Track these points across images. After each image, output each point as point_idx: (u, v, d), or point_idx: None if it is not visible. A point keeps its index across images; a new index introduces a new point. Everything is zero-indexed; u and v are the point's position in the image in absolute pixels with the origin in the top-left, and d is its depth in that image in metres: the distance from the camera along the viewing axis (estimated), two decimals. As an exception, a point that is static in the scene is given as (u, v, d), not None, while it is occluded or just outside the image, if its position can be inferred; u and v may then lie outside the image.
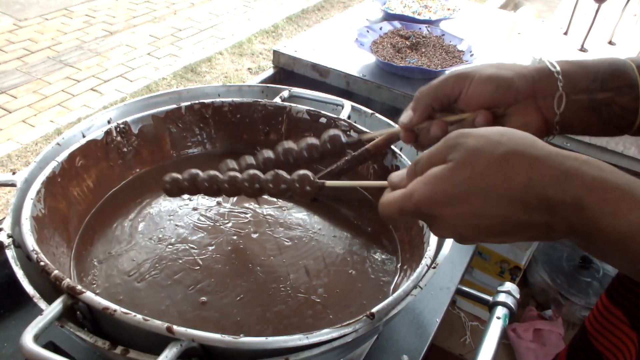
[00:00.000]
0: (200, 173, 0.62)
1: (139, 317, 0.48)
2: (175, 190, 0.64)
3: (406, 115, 0.56)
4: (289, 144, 0.62)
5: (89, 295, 0.49)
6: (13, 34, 3.39)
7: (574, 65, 0.52)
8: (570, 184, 0.35)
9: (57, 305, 0.49)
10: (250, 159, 0.67)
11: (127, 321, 0.47)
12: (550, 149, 0.37)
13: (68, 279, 0.50)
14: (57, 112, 2.70)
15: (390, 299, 0.53)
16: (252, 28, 3.70)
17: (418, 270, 0.58)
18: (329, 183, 0.55)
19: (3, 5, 3.75)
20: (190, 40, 3.51)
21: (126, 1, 4.00)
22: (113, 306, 0.48)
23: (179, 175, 0.64)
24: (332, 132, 0.58)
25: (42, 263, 0.52)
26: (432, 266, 0.59)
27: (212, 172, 0.62)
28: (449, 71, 0.54)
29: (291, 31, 3.69)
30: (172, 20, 3.75)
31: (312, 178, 0.56)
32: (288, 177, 0.58)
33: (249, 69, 3.20)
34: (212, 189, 0.62)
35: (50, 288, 0.55)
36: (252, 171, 0.60)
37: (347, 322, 0.50)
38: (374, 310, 0.51)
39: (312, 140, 0.60)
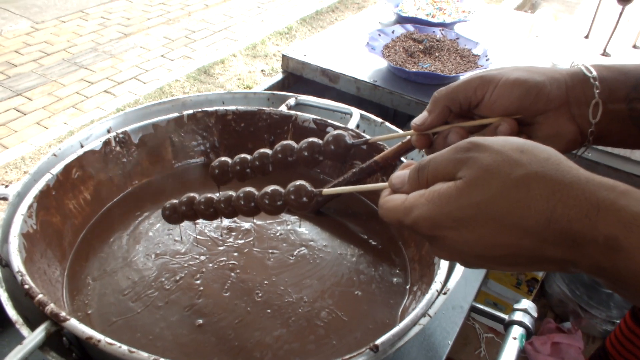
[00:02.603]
0: (197, 196, 0.59)
1: (124, 348, 0.44)
2: (173, 217, 0.60)
3: (420, 117, 0.50)
4: (289, 142, 0.58)
5: (72, 323, 0.46)
6: (30, 37, 3.41)
7: (612, 70, 0.46)
8: (603, 219, 0.30)
9: (39, 333, 0.46)
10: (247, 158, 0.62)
11: (112, 352, 0.44)
12: (580, 174, 0.31)
13: (52, 305, 0.47)
14: (70, 114, 2.70)
15: (396, 329, 0.49)
16: (266, 30, 3.68)
17: (427, 296, 0.54)
18: (325, 191, 0.50)
19: (21, 8, 3.78)
20: (203, 42, 3.49)
21: (141, 3, 4.00)
22: (97, 336, 0.45)
23: (176, 201, 0.61)
24: (336, 132, 0.54)
25: (26, 286, 0.50)
26: (443, 292, 0.55)
27: (208, 195, 0.58)
28: (464, 76, 0.49)
29: (305, 32, 3.66)
30: (186, 22, 3.75)
31: (308, 188, 0.51)
32: (283, 191, 0.53)
33: (262, 70, 3.17)
34: (209, 212, 0.58)
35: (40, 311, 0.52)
36: (247, 189, 0.56)
37: (349, 355, 0.46)
38: (378, 342, 0.48)
39: (314, 139, 0.55)
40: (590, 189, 0.30)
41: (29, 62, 3.11)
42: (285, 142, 0.57)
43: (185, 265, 0.66)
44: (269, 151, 0.58)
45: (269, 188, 0.52)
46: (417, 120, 0.50)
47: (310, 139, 0.55)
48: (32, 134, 2.54)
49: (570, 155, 0.50)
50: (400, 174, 0.39)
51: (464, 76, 0.49)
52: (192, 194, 0.61)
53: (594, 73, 0.46)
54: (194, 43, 3.47)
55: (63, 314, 0.47)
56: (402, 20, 1.36)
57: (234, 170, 0.60)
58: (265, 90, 1.13)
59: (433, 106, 0.49)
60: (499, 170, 0.32)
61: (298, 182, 0.51)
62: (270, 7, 4.10)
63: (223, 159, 0.61)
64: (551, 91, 0.45)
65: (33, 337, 0.46)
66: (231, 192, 0.56)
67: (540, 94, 0.45)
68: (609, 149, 0.99)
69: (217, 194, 0.58)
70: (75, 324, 0.46)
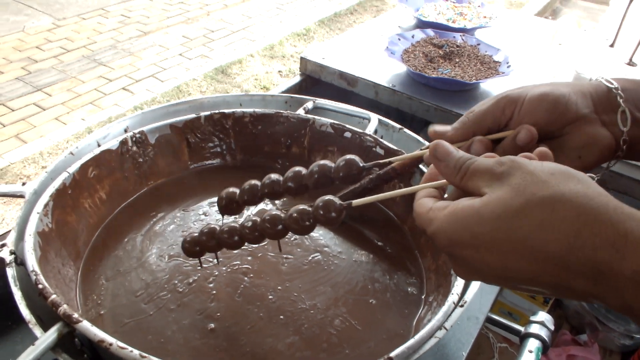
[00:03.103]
0: (218, 227, 0.57)
1: (136, 352, 0.44)
2: (194, 251, 0.58)
3: (442, 127, 0.48)
4: (300, 169, 0.56)
5: (84, 325, 0.46)
6: (51, 33, 3.45)
7: (632, 82, 0.46)
8: (631, 251, 0.28)
9: (52, 334, 0.46)
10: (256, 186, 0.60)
11: (124, 356, 0.44)
12: (609, 201, 0.30)
13: (65, 306, 0.47)
14: (89, 111, 2.72)
15: (411, 341, 0.48)
16: (284, 30, 3.68)
17: (444, 308, 0.53)
18: (355, 202, 0.48)
19: (44, 4, 3.83)
20: (222, 41, 3.51)
21: (161, 2, 4.03)
22: (109, 339, 0.45)
23: (196, 234, 0.58)
24: (348, 157, 0.53)
25: (40, 286, 0.49)
26: (460, 304, 0.54)
27: (232, 224, 0.56)
28: (490, 94, 0.47)
29: (323, 34, 3.66)
30: (204, 22, 3.77)
31: (336, 203, 0.49)
32: (310, 208, 0.50)
33: (279, 71, 3.17)
34: (233, 240, 0.56)
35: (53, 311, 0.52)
36: (273, 212, 0.54)
37: (362, 367, 0.45)
38: (392, 354, 0.46)
39: (326, 163, 0.53)
40: (619, 218, 0.29)
41: (50, 58, 3.15)
42: (296, 168, 0.55)
43: (199, 268, 0.66)
44: (280, 177, 0.56)
45: (296, 209, 0.50)
46: (438, 128, 0.48)
47: (322, 163, 0.54)
48: (50, 129, 2.57)
49: (600, 168, 0.48)
50: (446, 148, 0.38)
51: (489, 99, 0.47)
52: (213, 225, 0.58)
53: (615, 84, 0.45)
54: (212, 42, 3.48)
55: (76, 315, 0.46)
56: (422, 24, 1.34)
57: (243, 200, 0.58)
58: (283, 92, 1.13)
59: (461, 127, 0.48)
60: (525, 189, 0.31)
61: (326, 197, 0.49)
62: (289, 8, 4.11)
63: (231, 190, 0.60)
64: (577, 101, 0.45)
65: (45, 338, 0.45)
66: (256, 218, 0.54)
67: (568, 105, 0.44)
68: (633, 160, 0.96)
69: (237, 222, 0.56)
70: (87, 326, 0.46)
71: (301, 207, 0.50)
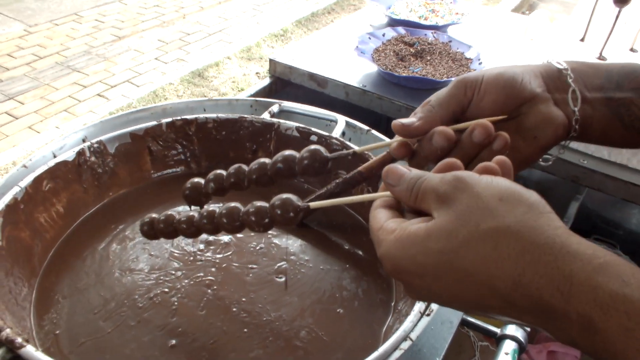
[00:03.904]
0: (177, 215, 0.56)
1: (82, 378, 0.42)
2: (151, 233, 0.58)
3: (407, 120, 0.46)
4: (264, 161, 0.54)
5: (28, 350, 0.43)
6: (23, 40, 3.38)
7: (581, 64, 0.47)
8: (576, 296, 0.26)
9: (-7, 361, 0.43)
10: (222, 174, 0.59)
11: (69, 383, 0.41)
12: (557, 235, 0.28)
13: (8, 330, 0.45)
14: (63, 118, 2.67)
15: (375, 354, 0.46)
16: (261, 32, 3.65)
17: (410, 317, 0.51)
18: (313, 204, 0.47)
19: (14, 10, 3.75)
20: (198, 44, 3.47)
21: (135, 5, 3.97)
22: (54, 365, 0.42)
23: (155, 216, 0.58)
24: (313, 147, 0.51)
25: (-18, 310, 0.47)
26: (427, 313, 0.52)
27: (190, 213, 0.56)
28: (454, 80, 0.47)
29: (300, 35, 3.63)
30: (180, 25, 3.72)
31: (295, 202, 0.47)
32: (267, 205, 0.51)
33: (257, 73, 3.14)
34: (191, 230, 0.55)
35: None
36: (232, 204, 0.53)
37: (323, 384, 0.43)
38: (354, 368, 0.45)
39: (290, 152, 0.52)
40: (564, 258, 0.27)
41: (22, 65, 3.08)
42: (260, 160, 0.54)
43: (161, 281, 0.63)
44: (245, 167, 0.55)
45: (254, 205, 0.49)
46: (404, 120, 0.46)
47: (287, 153, 0.52)
48: (23, 138, 2.51)
49: (558, 147, 0.48)
50: (397, 172, 0.36)
51: (448, 86, 0.46)
52: (171, 212, 0.58)
53: (565, 65, 0.46)
54: (188, 46, 3.44)
55: (19, 340, 0.44)
56: (393, 22, 1.33)
57: (208, 190, 0.57)
58: (252, 95, 1.10)
59: (426, 116, 0.46)
60: (469, 219, 0.29)
61: (284, 196, 0.48)
62: (266, 9, 4.08)
63: (196, 180, 0.58)
64: (530, 80, 0.45)
65: (-14, 366, 0.43)
66: (214, 209, 0.53)
67: (522, 84, 0.44)
68: (605, 155, 0.96)
69: (199, 212, 0.55)
70: (30, 352, 0.43)
71: (259, 203, 0.49)
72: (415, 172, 0.35)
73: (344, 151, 0.52)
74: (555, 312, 0.27)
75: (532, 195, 0.30)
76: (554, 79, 0.46)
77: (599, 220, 1.38)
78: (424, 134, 0.45)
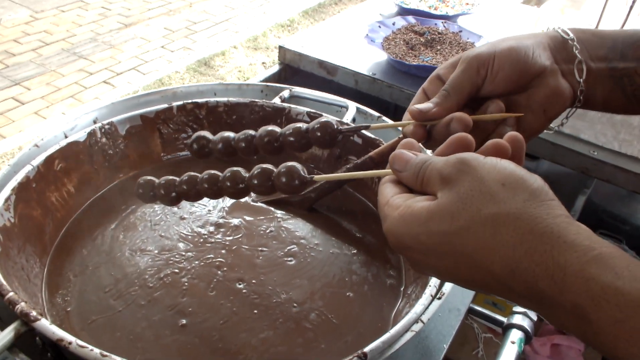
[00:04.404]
0: (177, 179, 0.56)
1: (96, 351, 0.42)
2: (148, 195, 0.57)
3: (423, 105, 0.45)
4: (273, 128, 0.54)
5: (42, 323, 0.43)
6: (29, 26, 3.37)
7: (587, 33, 0.47)
8: (569, 286, 0.26)
9: (8, 333, 0.44)
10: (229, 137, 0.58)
11: (84, 356, 0.42)
12: (555, 224, 0.28)
13: (23, 304, 0.45)
14: (69, 105, 2.67)
15: (386, 335, 0.47)
16: (268, 22, 3.64)
17: (421, 300, 0.51)
18: (317, 177, 0.47)
19: (21, -4, 3.74)
20: (204, 33, 3.46)
21: (142, -7, 3.97)
22: (68, 338, 0.42)
23: (154, 179, 0.57)
24: (324, 119, 0.51)
25: (-4, 283, 0.47)
26: (438, 296, 0.52)
27: (191, 174, 0.55)
28: (457, 65, 0.46)
29: (307, 25, 3.62)
30: (187, 13, 3.71)
31: (301, 171, 0.48)
32: (274, 170, 0.50)
33: (263, 63, 3.14)
34: (192, 192, 0.55)
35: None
36: (234, 168, 0.53)
37: (335, 363, 0.44)
38: (366, 349, 0.45)
39: (300, 125, 0.52)
40: (560, 247, 0.27)
41: (28, 51, 3.08)
42: (269, 127, 0.53)
43: (171, 262, 0.64)
44: (253, 132, 0.54)
45: (261, 167, 0.50)
46: (421, 106, 0.46)
47: (297, 125, 0.52)
48: (29, 123, 2.52)
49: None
50: (403, 157, 0.36)
51: (460, 66, 0.46)
52: (172, 177, 0.57)
53: (571, 35, 0.46)
54: (194, 34, 3.43)
55: (34, 313, 0.44)
56: (403, 12, 1.32)
57: (216, 148, 0.56)
58: (261, 81, 1.10)
59: (443, 101, 0.46)
60: (471, 203, 0.30)
61: (289, 164, 0.48)
62: (273, -1, 4.06)
63: (203, 134, 0.57)
64: (540, 53, 0.45)
65: (1, 338, 0.43)
66: (216, 172, 0.53)
67: (534, 58, 0.44)
68: (616, 147, 0.95)
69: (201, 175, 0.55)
70: (45, 325, 0.43)
71: (265, 166, 0.50)
72: (420, 156, 0.35)
73: (358, 125, 0.52)
74: (550, 299, 0.27)
75: (536, 181, 0.30)
76: (560, 49, 0.46)
77: (605, 214, 1.38)
78: (441, 119, 0.45)
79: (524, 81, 0.45)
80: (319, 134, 0.50)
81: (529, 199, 0.29)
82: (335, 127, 0.50)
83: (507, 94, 0.46)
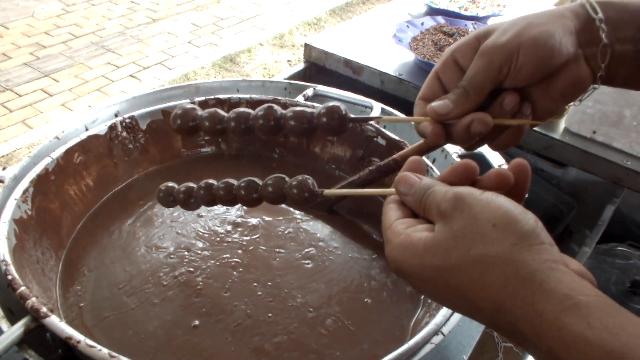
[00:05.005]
0: (195, 185, 0.55)
1: (105, 351, 0.41)
2: (168, 200, 0.57)
3: (442, 105, 0.43)
4: (274, 107, 0.50)
5: (52, 320, 0.43)
6: (60, 19, 3.43)
7: (617, 9, 0.43)
8: (545, 332, 0.27)
9: (18, 329, 0.43)
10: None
11: (92, 355, 0.41)
12: (538, 270, 0.29)
13: (34, 299, 0.44)
14: (95, 97, 2.70)
15: (405, 347, 0.45)
16: (295, 19, 3.63)
17: (442, 311, 0.49)
18: (327, 192, 0.46)
19: (54, -11, 3.81)
20: (231, 29, 3.46)
21: (171, -11, 4.00)
22: (77, 336, 0.41)
23: (174, 185, 0.57)
24: (332, 104, 0.48)
25: (9, 277, 0.46)
26: (459, 308, 0.50)
27: (209, 181, 0.55)
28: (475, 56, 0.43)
29: (334, 24, 3.60)
30: (214, 9, 3.72)
31: (311, 185, 0.47)
32: (287, 180, 0.49)
33: (288, 61, 3.13)
34: (208, 198, 0.54)
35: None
36: (249, 179, 0.52)
37: (350, 374, 0.42)
38: (383, 360, 0.43)
39: (303, 109, 0.49)
40: (540, 295, 0.28)
41: (58, 44, 3.13)
42: (267, 105, 0.50)
43: (186, 260, 0.62)
44: (250, 111, 0.51)
45: (276, 177, 0.49)
46: (439, 108, 0.43)
47: (300, 109, 0.49)
48: (57, 115, 2.55)
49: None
50: (408, 180, 0.36)
51: (479, 62, 0.43)
52: (191, 184, 0.57)
53: (600, 14, 0.42)
54: (221, 30, 3.44)
55: (44, 309, 0.43)
56: (432, 12, 1.29)
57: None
58: (286, 79, 1.09)
59: (463, 101, 0.43)
60: (462, 241, 0.31)
61: (300, 177, 0.47)
62: (300, -4, 4.05)
63: (189, 107, 0.53)
64: (567, 41, 0.42)
65: (10, 333, 0.42)
66: (232, 180, 0.52)
67: (560, 48, 0.41)
68: (626, 149, 0.91)
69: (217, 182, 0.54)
70: (54, 322, 0.42)
71: (279, 175, 0.49)
72: (424, 182, 0.36)
73: (368, 116, 0.49)
74: (529, 341, 0.29)
75: (527, 224, 0.30)
76: (585, 31, 0.43)
77: (634, 225, 1.33)
78: (460, 117, 0.44)
79: (547, 73, 0.43)
80: (325, 119, 0.47)
81: (517, 242, 0.30)
82: (344, 113, 0.47)
83: (527, 86, 0.43)
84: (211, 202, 0.54)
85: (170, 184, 0.57)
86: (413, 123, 0.48)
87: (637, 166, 0.91)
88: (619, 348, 0.25)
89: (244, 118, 0.50)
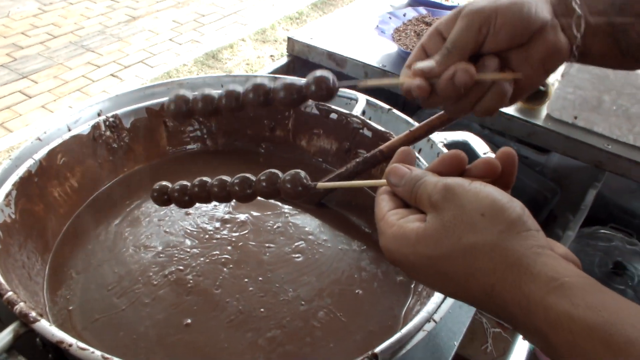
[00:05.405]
0: (189, 183, 0.55)
1: (97, 353, 0.40)
2: (162, 198, 0.56)
3: (426, 64, 0.45)
4: (262, 80, 0.52)
5: (42, 324, 0.42)
6: (37, 18, 3.37)
7: None
8: (532, 313, 0.29)
9: (7, 335, 0.42)
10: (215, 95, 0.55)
11: (84, 358, 0.40)
12: (525, 255, 0.30)
13: (22, 304, 0.44)
14: (76, 98, 2.66)
15: (397, 335, 0.45)
16: (276, 14, 3.61)
17: (433, 299, 0.49)
18: (320, 185, 0.47)
19: (29, -11, 3.74)
20: (212, 25, 3.43)
21: (150, -14, 3.95)
22: (68, 340, 0.41)
23: (168, 184, 0.57)
24: (320, 73, 0.48)
25: (-5, 282, 0.46)
26: (450, 295, 0.50)
27: (202, 178, 0.55)
28: (456, 19, 0.45)
29: (316, 17, 3.58)
30: (195, 5, 3.68)
31: (304, 179, 0.48)
32: (280, 176, 0.50)
33: (271, 56, 3.11)
34: (202, 195, 0.54)
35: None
36: (242, 175, 0.52)
37: (344, 365, 0.42)
38: (377, 350, 0.43)
39: (292, 80, 0.50)
40: (527, 278, 0.30)
41: (36, 44, 3.08)
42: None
43: (175, 259, 0.62)
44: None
45: (269, 172, 0.50)
46: (422, 65, 0.45)
47: (289, 82, 0.49)
48: (37, 117, 2.51)
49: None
50: (398, 172, 0.38)
51: (460, 23, 0.44)
52: (185, 182, 0.57)
53: None
54: (202, 27, 3.41)
55: (33, 314, 0.43)
56: (414, 3, 1.29)
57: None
58: (269, 73, 1.08)
59: (445, 60, 0.45)
60: (453, 231, 0.32)
61: (293, 172, 0.48)
62: (281, -9, 4.03)
63: (182, 93, 0.55)
64: (542, 7, 0.44)
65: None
66: (226, 177, 0.53)
67: (536, 13, 0.43)
68: (631, 141, 0.93)
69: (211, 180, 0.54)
70: (44, 326, 0.42)
71: (273, 171, 0.50)
72: (414, 172, 0.37)
73: (353, 82, 0.50)
74: (518, 322, 0.30)
75: (514, 212, 0.32)
76: (560, 2, 0.45)
77: (616, 208, 1.36)
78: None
79: (525, 37, 0.44)
80: (314, 88, 0.48)
81: (505, 230, 0.31)
82: (332, 83, 0.47)
83: (506, 49, 0.45)
84: (206, 199, 0.54)
85: (164, 182, 0.57)
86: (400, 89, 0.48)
87: (617, 149, 0.92)
88: (601, 324, 0.27)
89: (234, 95, 0.51)
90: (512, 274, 0.30)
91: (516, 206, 0.32)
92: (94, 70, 2.88)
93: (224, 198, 0.54)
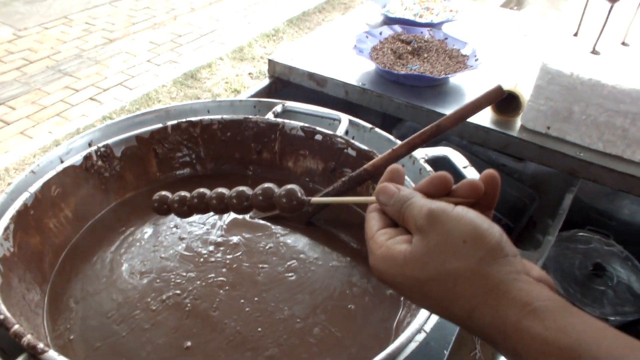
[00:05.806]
0: (188, 194, 0.58)
1: (107, 380, 0.42)
2: (162, 208, 0.59)
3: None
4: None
5: (51, 355, 0.44)
6: (12, 44, 3.35)
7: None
8: (509, 335, 0.31)
9: (16, 367, 0.44)
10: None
11: (93, 385, 0.42)
12: (504, 280, 0.32)
13: (29, 336, 0.45)
14: (55, 123, 2.65)
15: (390, 348, 0.47)
16: (253, 32, 3.65)
17: (423, 311, 0.52)
18: (314, 200, 0.49)
19: (3, 15, 3.72)
20: (190, 45, 3.46)
21: (126, 8, 3.95)
22: (77, 368, 0.43)
23: (168, 194, 0.59)
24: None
25: (1, 316, 0.47)
26: (439, 306, 0.53)
27: (201, 190, 0.58)
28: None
29: (292, 34, 3.64)
30: (172, 26, 3.71)
31: (299, 193, 0.50)
32: (275, 190, 0.52)
33: (249, 73, 3.14)
34: (201, 206, 0.57)
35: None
36: (240, 188, 0.55)
37: (343, 379, 0.44)
38: (372, 363, 0.46)
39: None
40: (504, 303, 0.32)
41: (12, 70, 3.06)
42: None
43: (172, 283, 0.64)
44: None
45: (265, 186, 0.53)
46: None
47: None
48: (15, 144, 2.49)
49: None
50: (387, 191, 0.40)
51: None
52: (185, 192, 0.59)
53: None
54: (180, 47, 3.43)
55: (41, 345, 0.44)
56: (389, 21, 1.34)
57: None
58: (252, 96, 1.11)
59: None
60: (437, 256, 0.35)
61: (289, 186, 0.51)
62: (257, 9, 4.07)
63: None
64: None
65: (8, 372, 0.43)
66: (224, 190, 0.56)
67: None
68: (600, 147, 0.97)
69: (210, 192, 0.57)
70: (53, 357, 0.43)
71: (268, 185, 0.53)
72: (402, 192, 0.39)
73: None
74: (498, 344, 0.33)
75: (493, 238, 0.34)
76: None
77: (592, 212, 1.40)
78: None
79: None
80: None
81: (485, 256, 0.33)
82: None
83: None
84: (204, 210, 0.57)
85: (164, 192, 0.59)
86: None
87: (589, 157, 0.97)
88: (570, 344, 0.29)
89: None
90: (491, 299, 0.32)
91: (495, 232, 0.34)
92: (72, 95, 2.87)
93: (221, 210, 0.56)
